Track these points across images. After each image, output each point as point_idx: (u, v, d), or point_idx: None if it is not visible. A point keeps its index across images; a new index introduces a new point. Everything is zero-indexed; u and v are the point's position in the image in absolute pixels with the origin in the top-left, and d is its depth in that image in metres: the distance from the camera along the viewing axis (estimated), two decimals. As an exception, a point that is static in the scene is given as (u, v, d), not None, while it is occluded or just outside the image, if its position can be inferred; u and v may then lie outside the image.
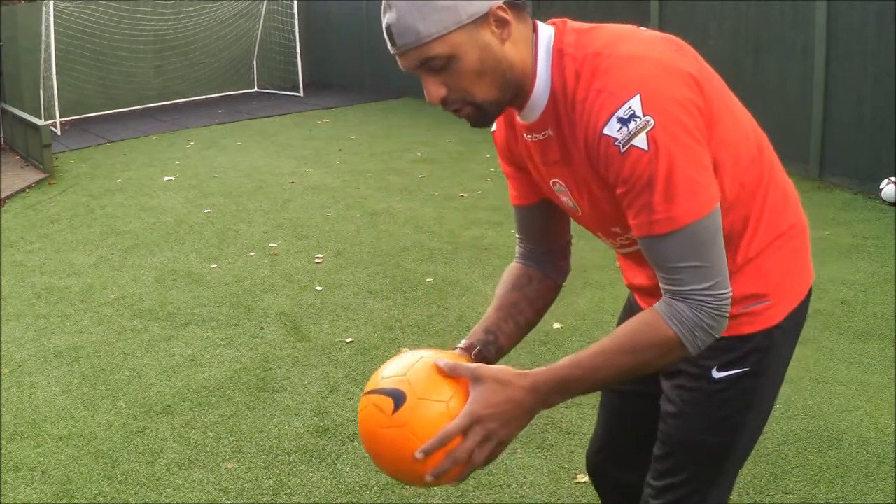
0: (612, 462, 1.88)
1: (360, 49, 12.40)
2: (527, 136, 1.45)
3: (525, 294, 1.62)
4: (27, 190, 7.63)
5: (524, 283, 1.63)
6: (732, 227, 1.43)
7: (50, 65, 10.35)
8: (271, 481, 2.94)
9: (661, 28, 7.46)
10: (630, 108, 1.25)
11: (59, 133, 10.27)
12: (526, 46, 1.34)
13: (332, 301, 4.56)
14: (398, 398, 1.32)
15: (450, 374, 1.34)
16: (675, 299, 1.32)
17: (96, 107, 11.72)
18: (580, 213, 1.50)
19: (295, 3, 12.74)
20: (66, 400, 3.58)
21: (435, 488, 2.79)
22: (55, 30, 10.37)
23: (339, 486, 2.89)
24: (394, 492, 2.83)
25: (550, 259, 1.66)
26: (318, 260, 5.25)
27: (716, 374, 1.51)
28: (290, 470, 3.00)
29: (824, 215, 5.54)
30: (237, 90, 13.18)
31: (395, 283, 4.78)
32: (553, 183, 1.49)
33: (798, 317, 1.56)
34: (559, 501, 2.76)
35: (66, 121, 10.85)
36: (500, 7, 1.29)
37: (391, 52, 1.33)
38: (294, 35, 12.82)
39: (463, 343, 1.54)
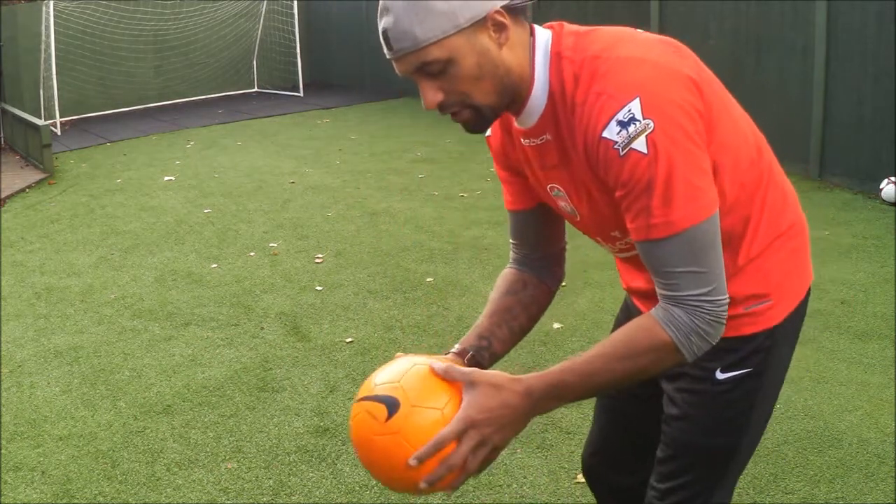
0: (607, 464, 1.87)
1: (360, 49, 12.40)
2: (524, 141, 1.44)
3: (519, 299, 1.60)
4: (27, 190, 7.63)
5: (518, 288, 1.61)
6: (733, 228, 1.43)
7: (50, 65, 10.35)
8: (271, 481, 2.94)
9: (662, 28, 7.46)
10: (630, 111, 1.24)
11: (59, 133, 10.27)
12: (523, 51, 1.33)
13: (332, 301, 4.56)
14: (392, 405, 1.30)
15: (444, 377, 1.32)
16: (672, 304, 1.31)
17: (96, 107, 11.72)
18: (579, 219, 1.49)
19: (295, 3, 12.74)
20: (66, 400, 3.58)
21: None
22: (55, 30, 10.37)
23: (339, 486, 2.89)
24: (394, 492, 2.83)
25: (545, 265, 1.64)
26: (318, 260, 5.26)
27: (720, 376, 1.51)
28: (290, 470, 3.00)
29: (824, 215, 5.53)
30: (237, 90, 13.18)
31: (395, 283, 4.78)
32: (551, 188, 1.47)
33: (798, 316, 1.56)
34: (559, 501, 2.76)
35: (66, 121, 10.85)
36: (497, 11, 1.28)
37: (387, 56, 1.32)
38: (294, 35, 12.82)
39: (456, 348, 1.52)
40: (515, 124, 1.44)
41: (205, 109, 11.88)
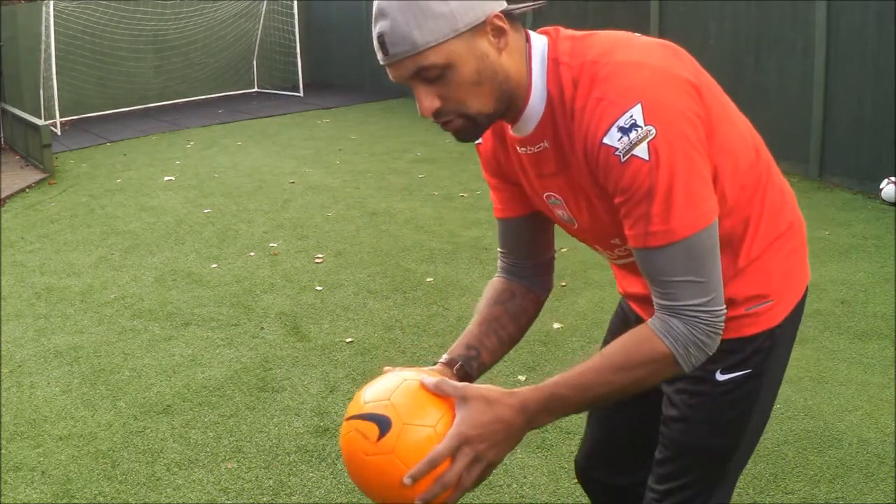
0: (603, 467, 1.86)
1: (360, 49, 12.40)
2: (520, 150, 1.42)
3: (507, 309, 1.57)
4: (27, 190, 7.63)
5: (507, 297, 1.58)
6: (734, 229, 1.42)
7: (50, 65, 10.35)
8: (271, 481, 2.94)
9: (662, 28, 7.46)
10: (631, 117, 1.22)
11: (59, 133, 10.27)
12: (521, 57, 1.31)
13: (332, 301, 4.56)
14: (383, 424, 1.26)
15: (435, 392, 1.29)
16: (670, 315, 1.29)
17: (96, 107, 11.72)
18: (577, 227, 1.47)
19: (295, 3, 12.74)
20: (66, 400, 3.58)
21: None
22: (55, 30, 10.37)
23: (339, 486, 2.89)
24: None
25: (534, 274, 1.61)
26: (318, 260, 5.26)
27: (720, 377, 1.50)
28: (290, 470, 3.00)
29: (824, 215, 5.53)
30: (237, 90, 13.18)
31: (395, 283, 4.78)
32: (547, 196, 1.45)
33: (797, 315, 1.56)
34: (559, 501, 2.76)
35: (66, 121, 10.85)
36: (497, 16, 1.26)
37: (381, 62, 1.28)
38: (294, 35, 12.82)
39: (444, 358, 1.49)
40: (511, 132, 1.41)
41: (205, 109, 11.88)
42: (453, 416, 1.27)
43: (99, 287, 4.95)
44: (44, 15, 10.34)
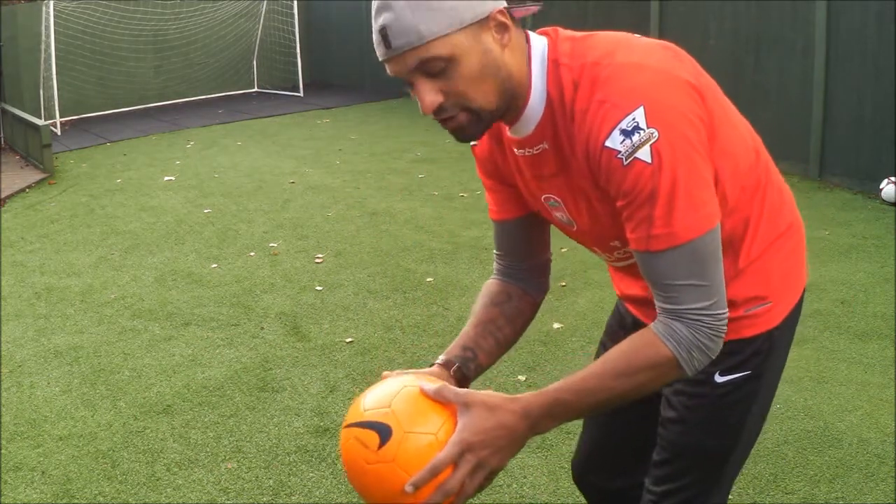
0: (600, 471, 1.86)
1: (360, 49, 12.40)
2: (518, 151, 1.40)
3: (503, 311, 1.55)
4: (27, 190, 7.63)
5: (503, 299, 1.57)
6: (734, 230, 1.42)
7: (50, 65, 10.35)
8: (271, 481, 2.94)
9: (662, 28, 7.46)
10: (633, 119, 1.21)
11: (59, 133, 10.27)
12: (522, 56, 1.30)
13: (332, 301, 4.56)
14: (384, 432, 1.24)
15: (436, 398, 1.27)
16: (672, 318, 1.28)
17: (96, 107, 11.72)
18: (576, 229, 1.46)
19: (295, 3, 12.74)
20: (66, 400, 3.58)
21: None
22: (55, 30, 10.37)
23: (339, 486, 2.89)
24: None
25: (530, 276, 1.60)
26: (318, 260, 5.26)
27: (718, 379, 1.50)
28: (290, 470, 3.00)
29: (824, 215, 5.53)
30: (237, 90, 13.18)
31: (395, 283, 4.78)
32: (546, 199, 1.44)
33: (795, 316, 1.56)
34: (559, 501, 2.76)
35: (66, 121, 10.85)
36: (500, 11, 1.25)
37: (382, 56, 1.26)
38: (294, 35, 12.83)
39: (441, 359, 1.47)
40: (508, 133, 1.40)
41: (205, 109, 11.88)
42: (455, 423, 1.26)
43: (99, 287, 4.95)
44: (44, 15, 10.35)
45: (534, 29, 1.37)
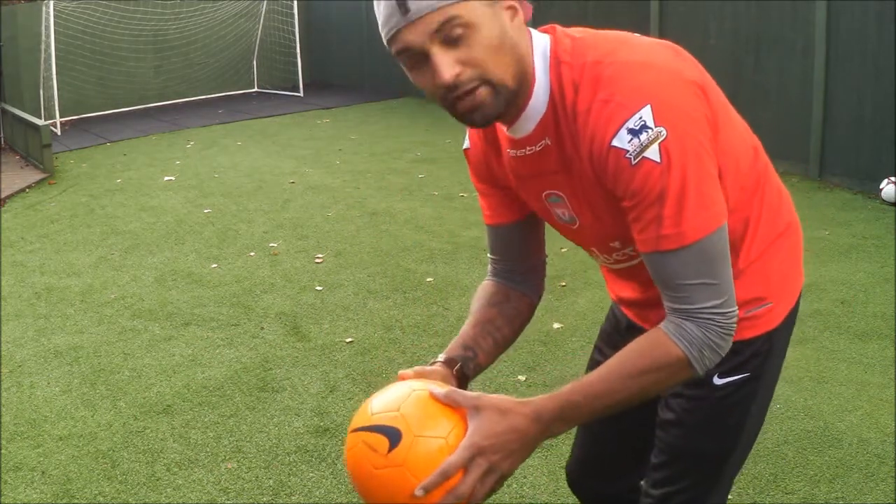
0: (596, 475, 1.85)
1: (360, 49, 12.40)
2: (516, 152, 1.38)
3: (502, 311, 1.54)
4: (27, 190, 7.63)
5: (501, 300, 1.56)
6: (734, 230, 1.41)
7: (50, 65, 10.35)
8: (271, 481, 2.94)
9: (662, 28, 7.47)
10: (641, 118, 1.19)
11: (59, 133, 10.27)
12: (527, 47, 1.28)
13: (332, 301, 4.56)
14: (393, 436, 1.22)
15: (446, 402, 1.25)
16: (683, 318, 1.27)
17: (96, 107, 11.72)
18: (577, 226, 1.44)
19: (295, 3, 12.74)
20: (66, 400, 3.58)
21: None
22: (55, 30, 10.37)
23: (339, 486, 2.89)
24: None
25: (526, 278, 1.58)
26: (318, 260, 5.26)
27: (717, 381, 1.49)
28: (290, 470, 3.00)
29: (824, 215, 5.53)
30: (237, 90, 13.18)
31: (395, 283, 4.78)
32: (547, 195, 1.42)
33: (793, 317, 1.56)
34: (559, 501, 2.76)
35: (66, 121, 10.85)
36: None
37: (396, 26, 1.19)
38: (294, 35, 12.82)
39: (442, 357, 1.46)
40: (507, 132, 1.38)
41: (205, 109, 11.88)
42: (465, 427, 1.24)
43: (99, 287, 4.95)
44: (44, 15, 10.34)
45: (533, 28, 1.36)
